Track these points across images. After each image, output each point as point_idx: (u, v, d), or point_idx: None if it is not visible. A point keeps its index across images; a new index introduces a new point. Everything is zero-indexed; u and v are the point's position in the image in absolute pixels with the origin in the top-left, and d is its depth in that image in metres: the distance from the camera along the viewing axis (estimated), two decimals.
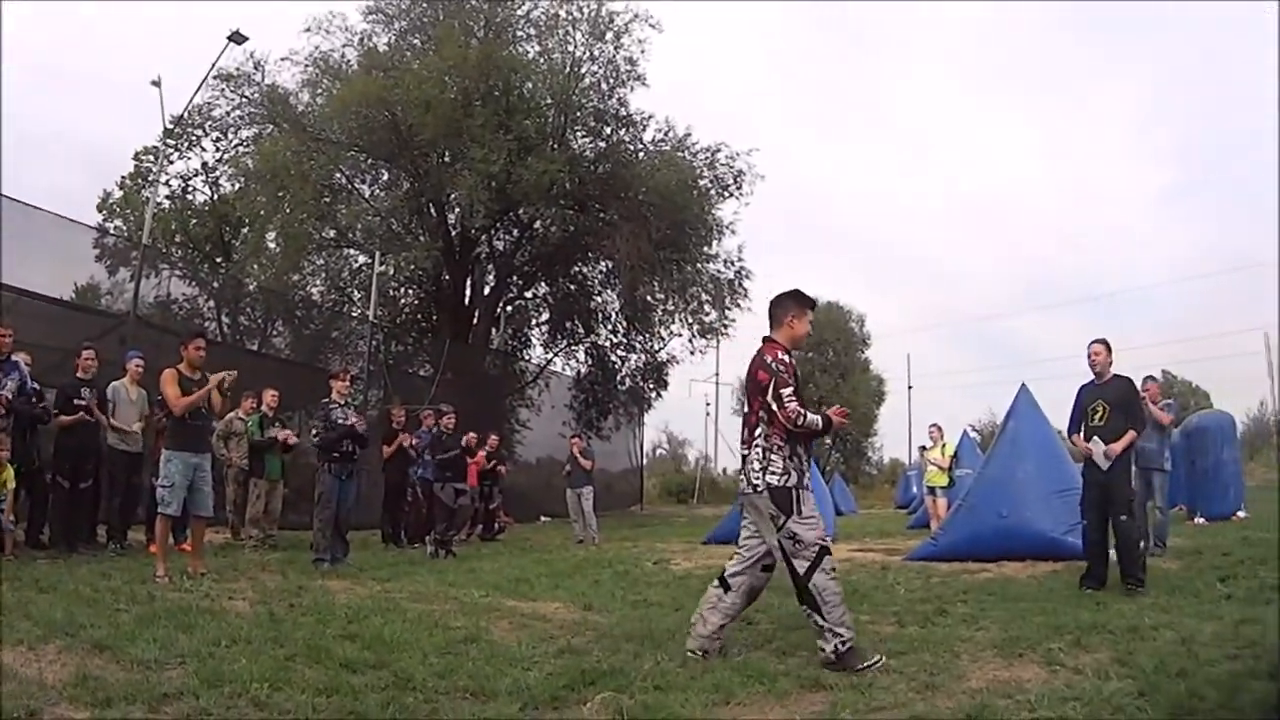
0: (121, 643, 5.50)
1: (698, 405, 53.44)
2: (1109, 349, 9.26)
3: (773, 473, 5.96)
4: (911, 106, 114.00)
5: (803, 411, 5.99)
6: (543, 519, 24.27)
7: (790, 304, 6.42)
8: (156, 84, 20.25)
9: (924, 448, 15.69)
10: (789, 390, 6.03)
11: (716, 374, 48.72)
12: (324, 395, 11.62)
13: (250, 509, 13.16)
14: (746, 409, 6.41)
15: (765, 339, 6.40)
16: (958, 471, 19.65)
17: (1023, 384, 13.25)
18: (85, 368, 11.00)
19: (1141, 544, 8.87)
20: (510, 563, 12.28)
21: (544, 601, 8.32)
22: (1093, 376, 9.26)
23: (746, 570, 6.22)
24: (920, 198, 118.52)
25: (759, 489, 5.99)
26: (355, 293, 27.73)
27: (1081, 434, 9.00)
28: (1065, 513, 10.10)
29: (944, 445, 15.44)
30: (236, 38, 22.82)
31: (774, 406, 5.98)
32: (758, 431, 6.12)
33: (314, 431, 11.50)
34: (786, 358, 6.19)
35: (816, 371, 50.89)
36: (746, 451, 6.23)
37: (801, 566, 5.84)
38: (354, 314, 26.80)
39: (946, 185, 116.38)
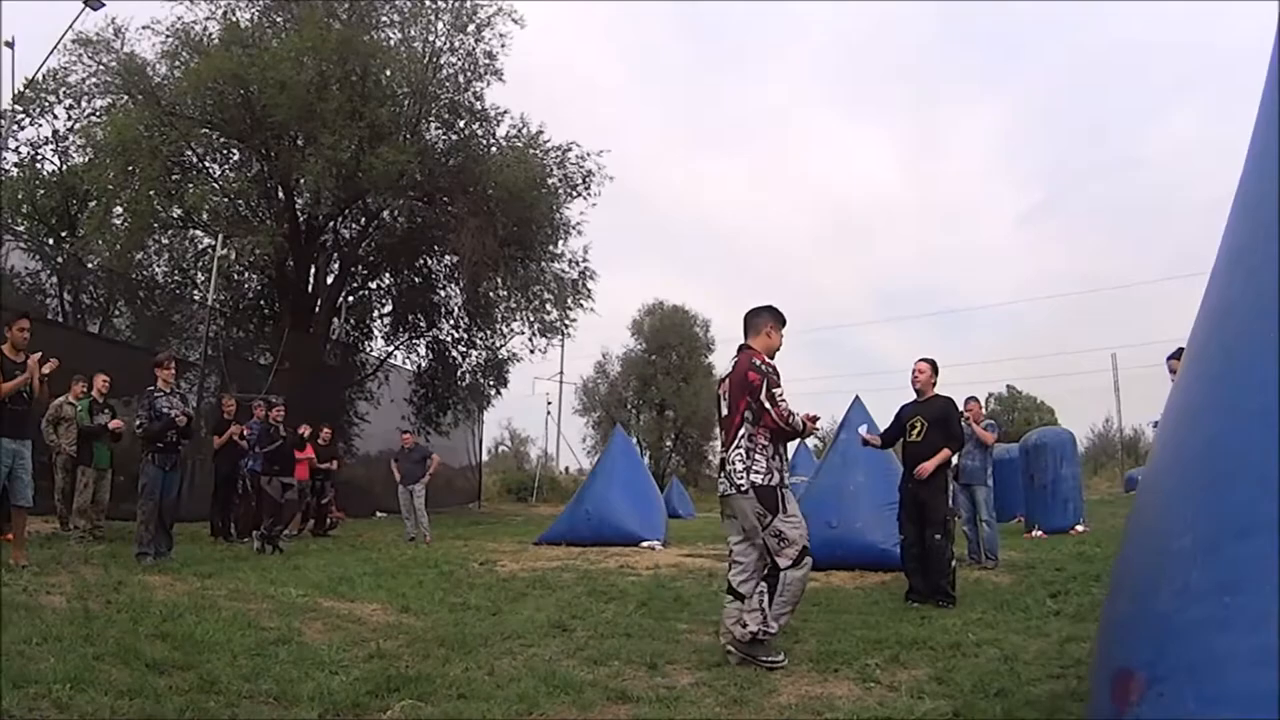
0: None
1: (540, 403, 53.55)
2: (934, 369, 9.55)
3: (757, 472, 6.23)
4: (771, 116, 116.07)
5: (794, 412, 6.31)
6: (378, 514, 24.24)
7: (768, 316, 6.74)
8: (10, 44, 19.58)
9: None
10: (780, 390, 6.35)
11: (560, 372, 48.97)
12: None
13: (78, 498, 12.63)
14: (727, 411, 6.55)
15: (744, 347, 6.67)
16: (792, 479, 20.15)
17: (856, 396, 13.68)
18: None
19: (953, 562, 9.02)
20: (336, 560, 12.25)
21: (362, 602, 8.35)
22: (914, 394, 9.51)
23: (752, 577, 6.35)
24: (775, 207, 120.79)
25: (744, 489, 6.22)
26: (199, 275, 27.18)
27: (897, 449, 9.25)
28: (894, 525, 10.20)
29: None
30: (92, 3, 22.05)
31: (767, 405, 6.24)
32: (741, 432, 6.34)
33: (138, 421, 11.18)
34: (771, 362, 6.52)
35: (659, 374, 51.44)
36: (727, 453, 6.43)
37: (782, 562, 6.16)
38: (196, 297, 26.30)
39: (805, 196, 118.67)
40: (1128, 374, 44.16)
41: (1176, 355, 8.74)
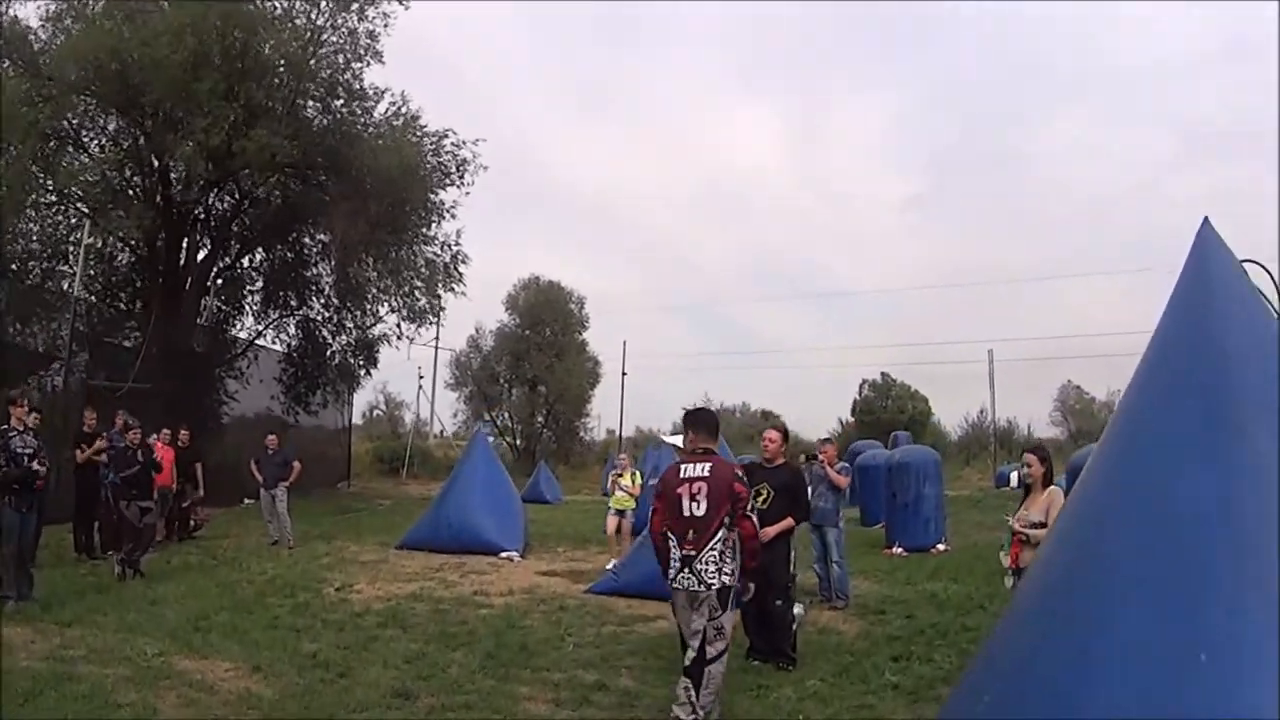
0: None
1: (414, 369, 52.99)
2: (785, 437, 9.82)
3: (726, 574, 6.72)
4: (655, 91, 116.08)
5: None
6: (246, 501, 24.09)
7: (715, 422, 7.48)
8: None
9: (618, 471, 16.54)
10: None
11: (436, 340, 48.75)
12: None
13: None
14: (702, 513, 6.79)
15: (707, 450, 7.17)
16: (653, 481, 20.80)
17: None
18: None
19: (795, 625, 9.09)
20: (194, 587, 12.36)
21: (215, 659, 8.50)
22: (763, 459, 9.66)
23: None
24: (657, 182, 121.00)
25: (713, 587, 6.68)
26: (70, 250, 26.73)
27: None
28: None
29: (634, 474, 16.36)
30: None
31: (750, 518, 6.90)
32: (719, 536, 6.74)
33: None
34: None
35: (532, 350, 51.55)
36: (698, 553, 6.74)
37: (711, 652, 6.66)
38: (64, 276, 25.88)
39: (686, 172, 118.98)
40: (1000, 367, 45.35)
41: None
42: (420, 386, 53.90)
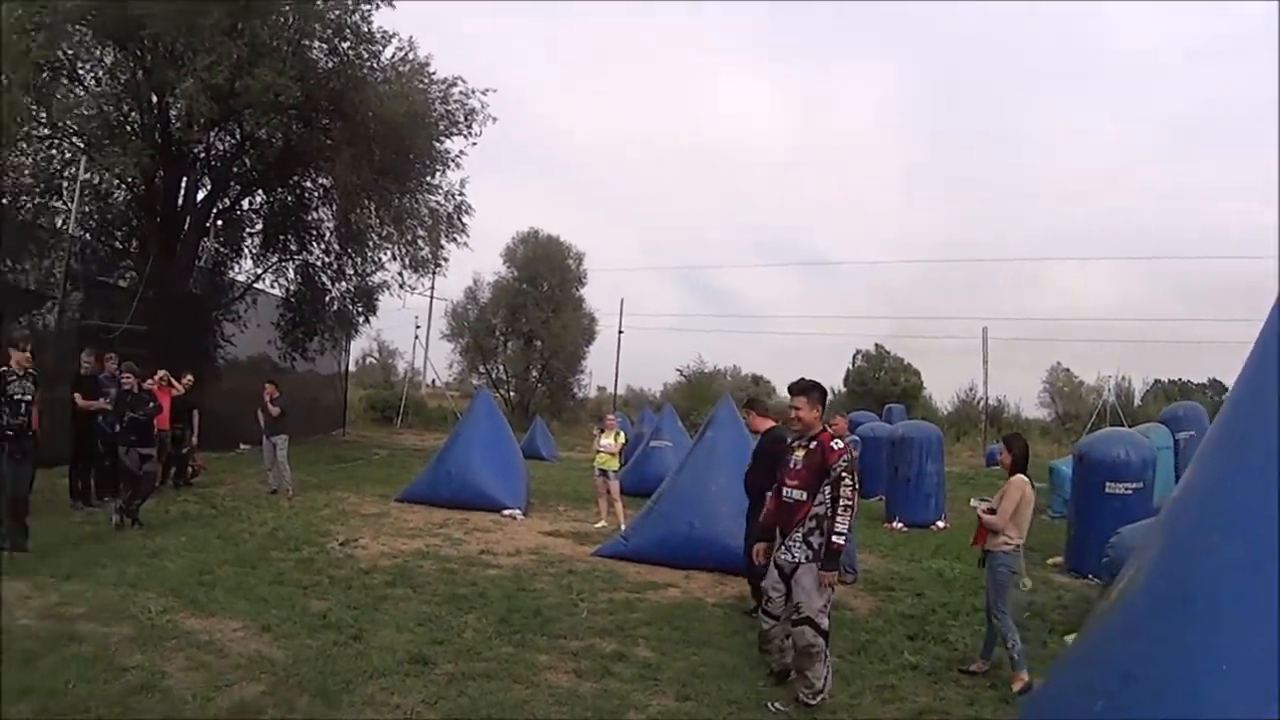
0: None
1: (409, 318, 52.60)
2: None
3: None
4: (660, 54, 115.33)
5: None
6: (242, 447, 23.92)
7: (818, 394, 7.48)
8: None
9: (600, 430, 16.36)
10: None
11: (431, 289, 48.23)
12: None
13: None
14: (801, 494, 7.13)
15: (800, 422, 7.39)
16: (655, 444, 20.56)
17: (727, 395, 13.91)
18: None
19: None
20: (195, 539, 12.06)
21: (223, 617, 8.30)
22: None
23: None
24: (657, 145, 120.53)
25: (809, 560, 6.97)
26: (64, 185, 26.23)
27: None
28: None
29: (617, 433, 16.13)
30: None
31: (847, 492, 6.96)
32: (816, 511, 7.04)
33: None
34: None
35: (529, 304, 51.20)
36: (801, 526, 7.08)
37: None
38: (58, 212, 25.42)
39: (686, 135, 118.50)
40: (992, 344, 45.15)
41: None
42: (417, 336, 53.15)
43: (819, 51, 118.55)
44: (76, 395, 14.32)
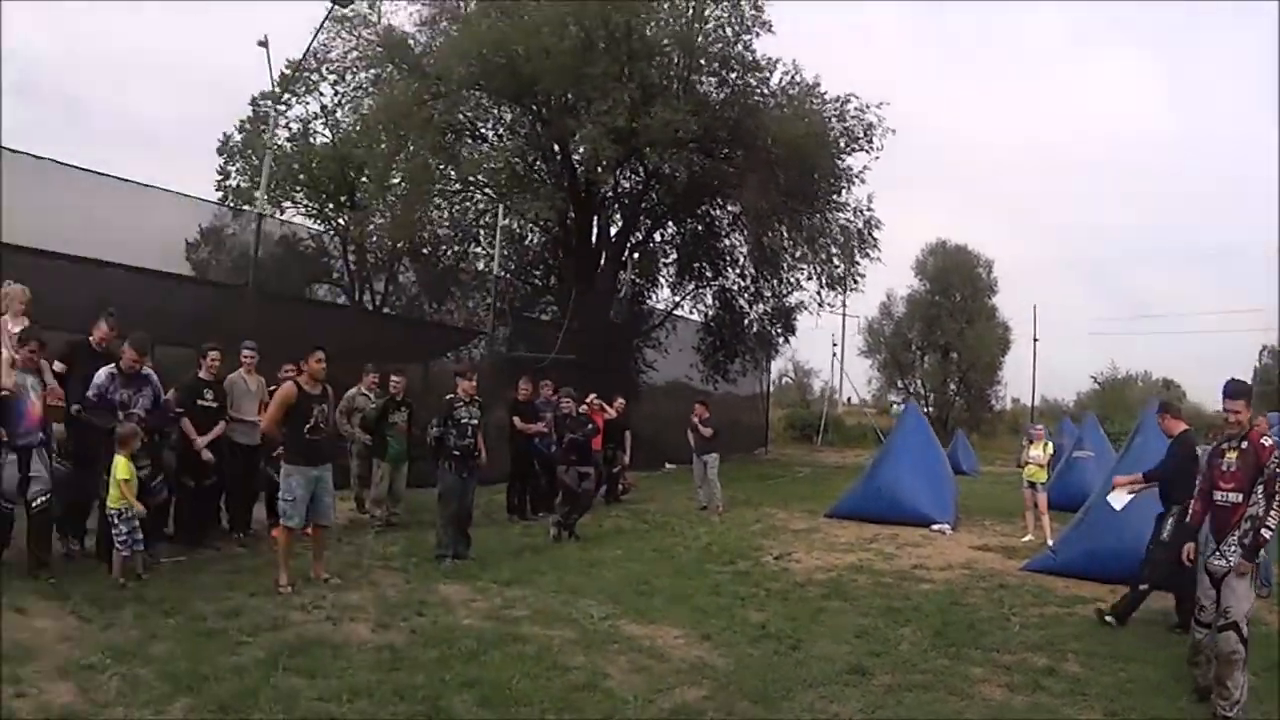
0: (244, 702, 5.67)
1: (822, 335, 52.25)
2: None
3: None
4: (1039, 54, 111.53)
5: None
6: (668, 466, 24.43)
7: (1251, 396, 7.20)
8: (263, 44, 20.23)
9: (1029, 441, 15.40)
10: None
11: (843, 306, 47.87)
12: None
13: (373, 489, 13.16)
14: (1236, 496, 6.82)
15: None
16: (1077, 454, 19.22)
17: (1154, 399, 12.86)
18: (211, 369, 10.78)
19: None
20: (631, 551, 12.20)
21: (663, 625, 8.26)
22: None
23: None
24: (1055, 145, 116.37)
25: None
26: (481, 233, 27.78)
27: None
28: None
29: (1045, 444, 15.14)
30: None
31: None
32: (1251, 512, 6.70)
33: (433, 425, 11.21)
34: None
35: (943, 316, 50.27)
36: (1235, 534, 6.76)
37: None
38: (478, 253, 26.96)
39: (1071, 134, 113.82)
40: None
41: None
42: (834, 354, 52.94)
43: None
44: (515, 419, 14.95)
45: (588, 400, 15.60)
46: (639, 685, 6.54)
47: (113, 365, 9.12)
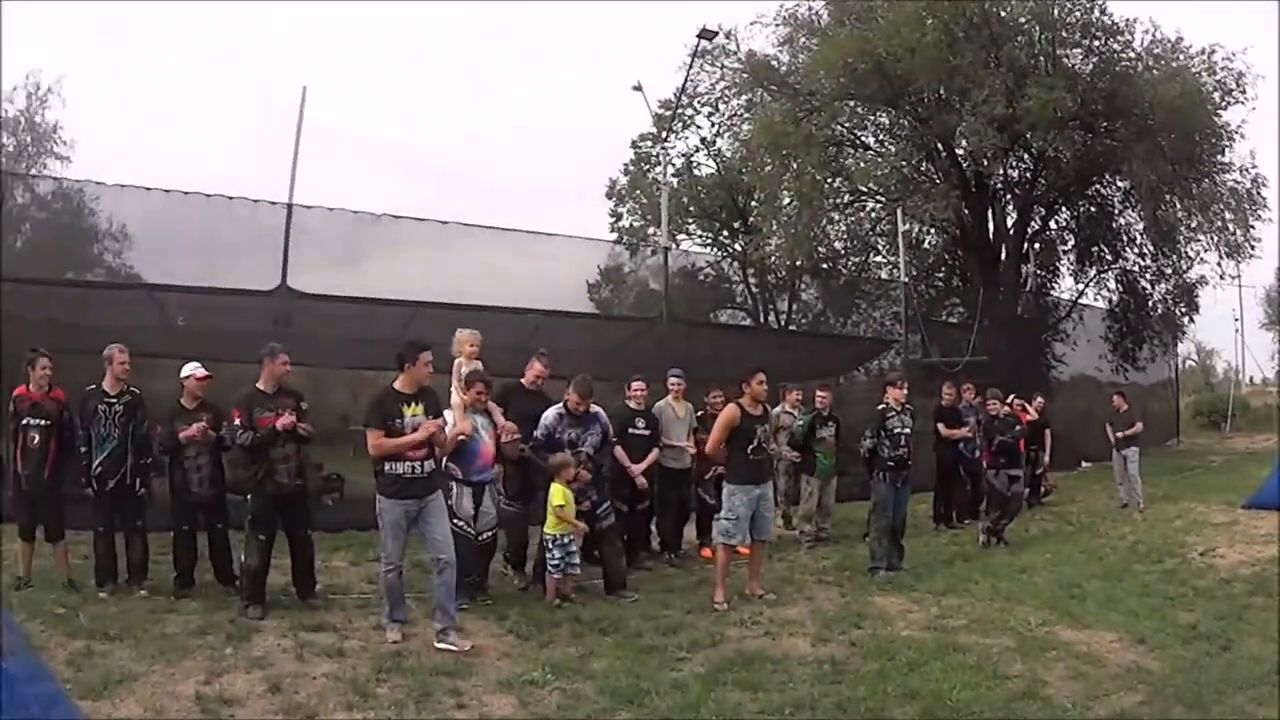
0: (686, 715, 6.05)
1: (1222, 313, 48.12)
2: None
3: None
4: None
5: None
6: (1083, 464, 23.77)
7: None
8: (638, 89, 21.58)
9: None
10: None
11: (1238, 277, 44.37)
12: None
13: (803, 505, 13.56)
14: None
15: None
16: None
17: None
18: (639, 398, 11.33)
19: None
20: (1059, 554, 12.13)
21: (1098, 629, 8.19)
22: None
23: None
24: None
25: None
26: (880, 241, 28.07)
27: None
28: None
29: None
30: (706, 34, 22.48)
31: None
32: None
33: (866, 436, 11.37)
34: None
35: None
36: None
37: None
38: (879, 266, 27.27)
39: None
40: None
41: None
42: (1236, 329, 49.16)
43: None
44: (939, 425, 15.10)
45: (1008, 401, 15.67)
46: (1077, 692, 6.53)
47: (561, 405, 9.68)
